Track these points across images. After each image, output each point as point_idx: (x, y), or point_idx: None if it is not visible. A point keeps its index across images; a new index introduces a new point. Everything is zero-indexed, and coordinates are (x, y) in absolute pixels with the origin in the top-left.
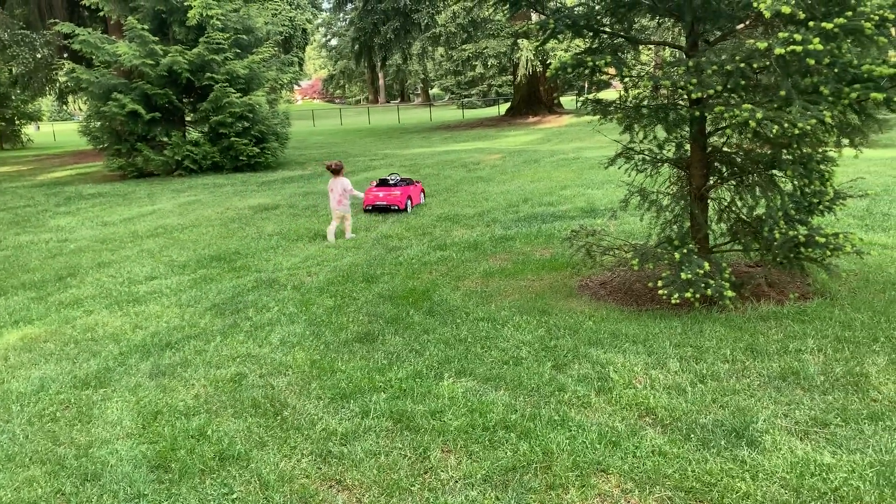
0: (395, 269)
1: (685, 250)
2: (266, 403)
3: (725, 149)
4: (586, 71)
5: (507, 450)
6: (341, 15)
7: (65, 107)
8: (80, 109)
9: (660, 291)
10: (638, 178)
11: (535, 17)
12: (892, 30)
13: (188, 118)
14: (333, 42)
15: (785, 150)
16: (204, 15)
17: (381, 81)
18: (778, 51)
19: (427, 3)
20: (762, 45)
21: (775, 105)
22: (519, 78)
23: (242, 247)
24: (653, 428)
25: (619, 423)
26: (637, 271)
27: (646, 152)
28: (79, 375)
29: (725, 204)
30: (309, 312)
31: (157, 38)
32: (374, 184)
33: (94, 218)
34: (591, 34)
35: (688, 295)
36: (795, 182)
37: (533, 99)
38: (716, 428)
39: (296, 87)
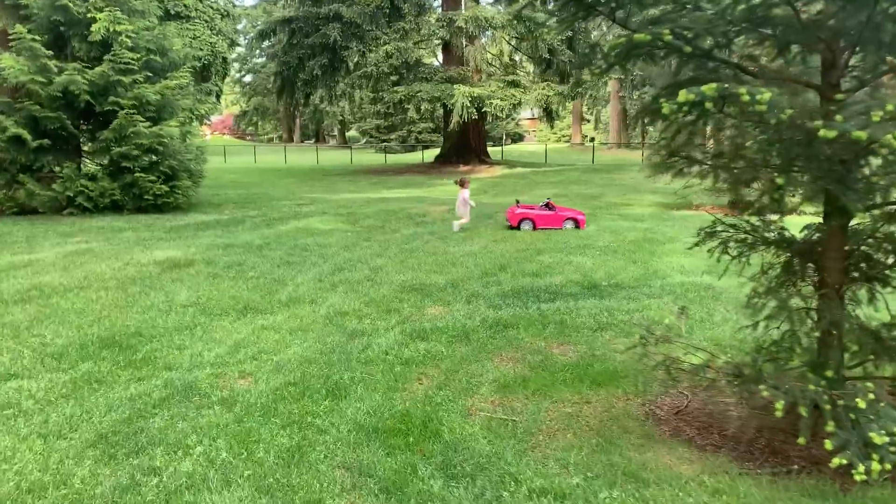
0: (366, 371)
1: (871, 395)
2: None
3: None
4: (714, 108)
5: None
6: (258, 52)
7: None
8: None
9: (834, 460)
10: (718, 262)
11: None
12: None
13: (85, 148)
14: (248, 78)
15: None
16: (111, 30)
17: (297, 120)
18: None
19: (358, 41)
20: None
21: None
22: (452, 125)
23: (145, 324)
24: None
25: None
26: (734, 400)
27: (749, 230)
28: None
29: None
30: (253, 463)
31: (51, 53)
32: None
33: None
34: (697, 58)
35: (875, 466)
36: None
37: (464, 147)
38: None
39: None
